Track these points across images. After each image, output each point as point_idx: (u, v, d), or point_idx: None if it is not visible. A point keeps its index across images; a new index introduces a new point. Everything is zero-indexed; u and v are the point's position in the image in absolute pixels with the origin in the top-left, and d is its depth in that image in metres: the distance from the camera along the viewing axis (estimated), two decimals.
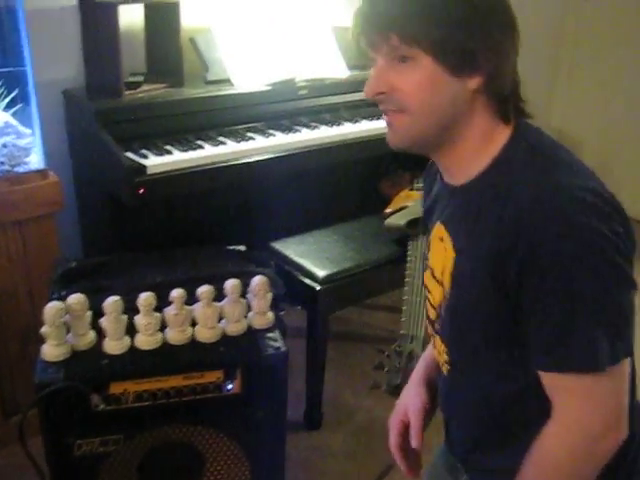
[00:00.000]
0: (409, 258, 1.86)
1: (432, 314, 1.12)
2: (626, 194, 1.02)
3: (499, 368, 1.03)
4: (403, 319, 1.69)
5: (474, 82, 0.93)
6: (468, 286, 0.99)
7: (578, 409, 0.95)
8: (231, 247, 1.84)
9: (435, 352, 1.15)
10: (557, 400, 0.96)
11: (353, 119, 2.28)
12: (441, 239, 1.06)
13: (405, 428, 1.19)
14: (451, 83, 0.92)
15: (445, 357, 1.10)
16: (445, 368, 1.12)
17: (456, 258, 1.02)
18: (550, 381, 0.95)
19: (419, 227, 1.96)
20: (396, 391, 1.56)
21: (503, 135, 0.97)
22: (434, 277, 1.10)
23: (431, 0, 0.91)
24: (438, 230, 1.07)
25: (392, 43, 0.92)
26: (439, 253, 1.07)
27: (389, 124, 0.99)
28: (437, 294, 1.09)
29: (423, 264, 1.17)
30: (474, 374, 1.08)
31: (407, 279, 1.79)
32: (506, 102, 0.96)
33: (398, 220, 2.02)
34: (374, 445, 2.05)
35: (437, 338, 1.12)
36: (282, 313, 2.57)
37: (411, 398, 1.23)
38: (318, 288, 1.88)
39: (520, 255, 0.89)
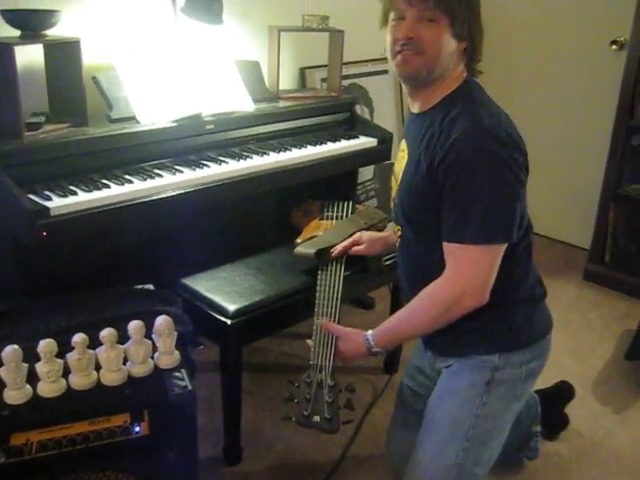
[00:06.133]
0: (318, 287, 1.89)
1: (392, 206, 1.65)
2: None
3: (429, 240, 1.51)
4: (312, 349, 1.71)
5: (464, 44, 1.47)
6: (411, 174, 1.51)
7: (456, 270, 1.45)
8: (138, 286, 1.83)
9: (393, 236, 1.68)
10: (447, 263, 1.46)
11: (261, 152, 2.32)
12: (402, 150, 1.59)
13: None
14: (452, 42, 1.45)
15: (398, 233, 1.63)
16: (398, 242, 1.65)
17: (408, 159, 1.54)
18: (446, 249, 1.46)
19: (326, 256, 2.01)
20: (307, 422, 1.57)
21: (457, 82, 1.50)
22: (396, 179, 1.60)
23: None
24: (402, 145, 1.61)
25: (429, 6, 1.41)
26: (400, 160, 1.60)
27: (405, 61, 1.46)
28: (395, 188, 1.60)
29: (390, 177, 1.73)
30: (413, 243, 1.58)
31: (316, 309, 1.81)
32: (474, 59, 1.51)
33: (307, 249, 2.05)
34: (295, 475, 2.06)
35: (394, 224, 1.65)
36: (201, 347, 2.57)
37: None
38: (229, 323, 1.88)
39: (448, 161, 1.40)
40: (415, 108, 1.57)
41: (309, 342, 1.71)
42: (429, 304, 1.50)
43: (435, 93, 1.49)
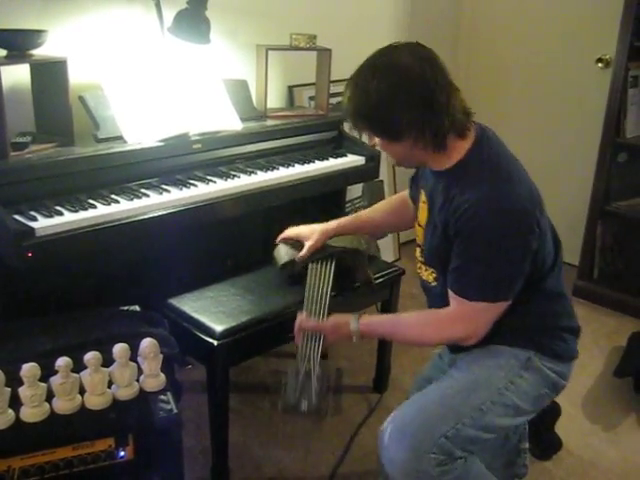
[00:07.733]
0: (307, 283, 1.89)
1: (418, 251, 1.75)
2: None
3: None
4: (300, 340, 1.72)
5: (409, 141, 1.50)
6: (432, 233, 1.61)
7: (461, 316, 1.55)
8: (124, 308, 1.81)
9: (424, 275, 1.74)
10: (451, 303, 1.56)
11: (249, 171, 2.31)
12: (424, 202, 1.68)
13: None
14: (399, 146, 1.53)
15: (433, 275, 1.69)
16: (435, 281, 1.69)
17: (428, 215, 1.65)
18: (449, 291, 1.56)
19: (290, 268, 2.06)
20: (292, 410, 1.58)
21: (464, 146, 1.54)
22: (420, 225, 1.72)
23: (368, 109, 1.50)
24: (423, 196, 1.69)
25: (373, 134, 1.56)
26: (423, 211, 1.69)
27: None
28: (420, 236, 1.72)
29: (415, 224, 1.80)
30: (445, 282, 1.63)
31: (305, 302, 1.82)
32: (442, 139, 1.50)
33: (282, 256, 2.08)
34: None
35: (423, 266, 1.73)
36: (189, 367, 2.55)
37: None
38: (215, 344, 1.87)
39: (459, 225, 1.48)
40: (432, 168, 1.63)
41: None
42: (432, 328, 1.62)
43: (441, 164, 1.57)
